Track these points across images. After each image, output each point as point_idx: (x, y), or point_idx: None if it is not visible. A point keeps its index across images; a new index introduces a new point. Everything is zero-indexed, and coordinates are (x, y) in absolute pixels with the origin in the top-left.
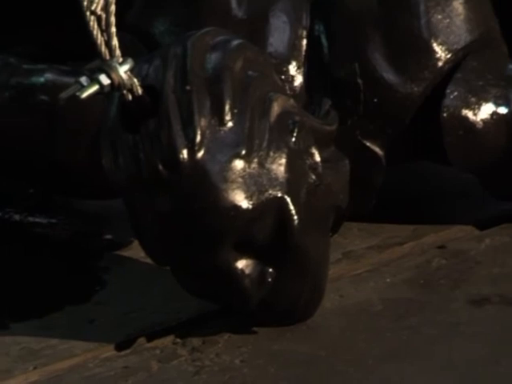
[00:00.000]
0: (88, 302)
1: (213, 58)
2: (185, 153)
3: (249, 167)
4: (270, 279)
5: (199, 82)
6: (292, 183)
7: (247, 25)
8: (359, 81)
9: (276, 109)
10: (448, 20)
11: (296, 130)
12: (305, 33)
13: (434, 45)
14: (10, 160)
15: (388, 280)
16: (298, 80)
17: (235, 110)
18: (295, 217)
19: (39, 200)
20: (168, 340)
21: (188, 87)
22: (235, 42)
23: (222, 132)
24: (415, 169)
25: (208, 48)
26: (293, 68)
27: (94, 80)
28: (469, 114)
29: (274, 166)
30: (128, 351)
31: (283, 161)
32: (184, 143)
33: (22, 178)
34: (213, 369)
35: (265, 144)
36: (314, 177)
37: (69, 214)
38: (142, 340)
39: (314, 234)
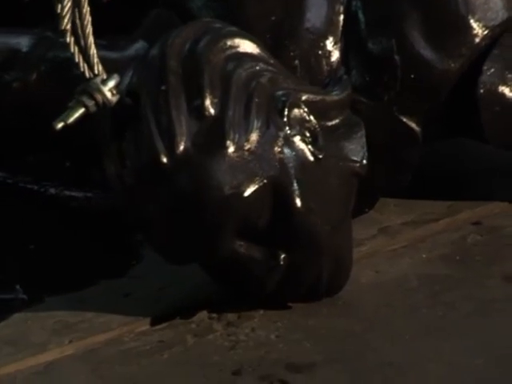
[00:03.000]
0: (124, 276)
1: (190, 52)
2: (164, 154)
3: (238, 154)
4: (282, 262)
5: (176, 79)
6: (286, 162)
7: (284, 0)
8: (396, 57)
9: (261, 92)
10: None
11: (286, 109)
12: (342, 8)
13: (472, 21)
14: (47, 133)
15: (424, 256)
16: (335, 55)
17: (216, 101)
18: (293, 195)
19: (75, 174)
20: (203, 314)
21: (163, 87)
22: (213, 33)
23: (206, 125)
24: (451, 145)
25: (185, 44)
26: (330, 43)
27: (78, 103)
28: (506, 90)
29: (265, 149)
30: (163, 325)
31: (273, 142)
32: (162, 145)
33: (58, 151)
34: (248, 344)
35: (252, 129)
36: (313, 150)
37: (105, 188)
38: (177, 314)
39: (321, 208)
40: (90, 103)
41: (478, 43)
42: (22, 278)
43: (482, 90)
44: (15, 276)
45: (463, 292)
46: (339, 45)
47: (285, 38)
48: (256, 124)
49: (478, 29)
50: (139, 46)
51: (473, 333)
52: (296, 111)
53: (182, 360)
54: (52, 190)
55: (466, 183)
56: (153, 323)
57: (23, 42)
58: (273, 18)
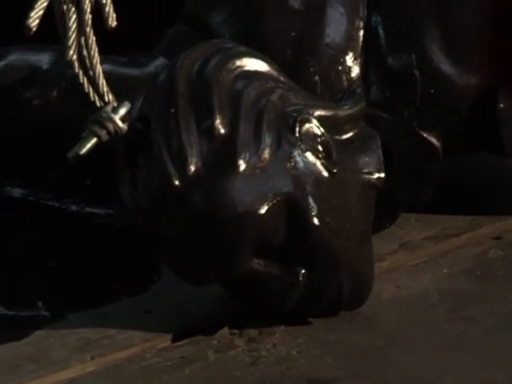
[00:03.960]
0: (145, 293)
1: (198, 74)
2: (176, 178)
3: (250, 173)
4: (301, 278)
5: (185, 102)
6: (300, 178)
7: (304, 16)
8: (416, 72)
9: (271, 109)
10: None
11: (297, 125)
12: (362, 24)
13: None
14: (67, 150)
15: (445, 271)
16: (355, 71)
17: (226, 121)
18: (308, 211)
19: (96, 190)
20: (225, 330)
21: (173, 110)
22: (222, 54)
23: (216, 146)
24: (472, 160)
25: (194, 66)
26: (349, 59)
27: (90, 133)
28: None
29: (278, 166)
30: (185, 341)
31: (286, 159)
32: (173, 169)
33: (78, 168)
34: (269, 359)
35: (263, 146)
36: (327, 164)
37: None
38: (198, 330)
39: (339, 222)
40: (102, 132)
41: None
42: (44, 295)
43: (501, 105)
44: (37, 293)
45: (484, 307)
46: (359, 60)
47: (305, 53)
48: (267, 141)
49: None
50: (159, 62)
51: (494, 347)
52: (307, 126)
53: (204, 376)
54: (73, 207)
55: (487, 198)
56: (174, 339)
57: (43, 59)
58: (293, 34)
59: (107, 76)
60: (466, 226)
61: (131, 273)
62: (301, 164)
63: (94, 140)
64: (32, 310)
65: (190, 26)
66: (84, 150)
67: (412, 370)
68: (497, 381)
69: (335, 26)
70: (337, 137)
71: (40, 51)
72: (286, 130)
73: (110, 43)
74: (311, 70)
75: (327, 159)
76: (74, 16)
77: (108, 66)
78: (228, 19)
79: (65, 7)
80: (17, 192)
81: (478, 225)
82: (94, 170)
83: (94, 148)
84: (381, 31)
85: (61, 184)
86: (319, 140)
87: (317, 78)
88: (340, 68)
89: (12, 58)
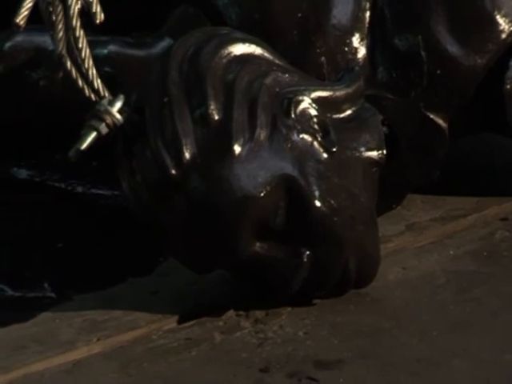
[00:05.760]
0: (151, 274)
1: (191, 62)
2: (172, 166)
3: (247, 156)
4: (305, 259)
5: (178, 91)
6: (298, 160)
7: None
8: (423, 53)
9: (266, 92)
10: None
11: (293, 106)
12: (368, 5)
13: (498, 17)
14: (73, 131)
15: (451, 252)
16: (361, 52)
17: (220, 106)
18: (308, 192)
19: (102, 172)
20: (231, 312)
21: (166, 99)
22: (214, 41)
23: (211, 132)
24: (478, 141)
25: (186, 54)
26: (356, 40)
27: (89, 128)
28: None
29: (275, 148)
30: (191, 323)
31: (283, 141)
32: (169, 157)
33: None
34: (276, 341)
35: (258, 129)
36: (324, 144)
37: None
38: (204, 312)
39: (341, 201)
40: (101, 125)
41: (505, 39)
42: (50, 277)
43: (508, 86)
44: (43, 274)
45: (491, 288)
46: (365, 41)
47: (311, 34)
48: (262, 124)
49: (504, 24)
50: (165, 43)
51: (501, 329)
52: (303, 107)
53: (210, 357)
54: (79, 188)
55: (494, 179)
56: (180, 321)
57: (49, 40)
58: (299, 15)
59: (114, 56)
60: (472, 207)
61: (137, 254)
62: (298, 145)
63: (94, 134)
64: (38, 291)
65: (197, 5)
66: (85, 145)
67: (419, 352)
68: (503, 362)
69: (342, 7)
70: (335, 116)
71: (45, 32)
72: (282, 111)
73: (115, 24)
74: (318, 50)
75: (325, 139)
76: (62, 12)
77: (114, 47)
78: (234, 0)
79: (51, 8)
80: (23, 173)
81: (484, 206)
82: (99, 152)
83: (95, 142)
84: (387, 12)
85: (67, 165)
86: (316, 120)
87: (323, 58)
88: (346, 49)
89: (18, 38)
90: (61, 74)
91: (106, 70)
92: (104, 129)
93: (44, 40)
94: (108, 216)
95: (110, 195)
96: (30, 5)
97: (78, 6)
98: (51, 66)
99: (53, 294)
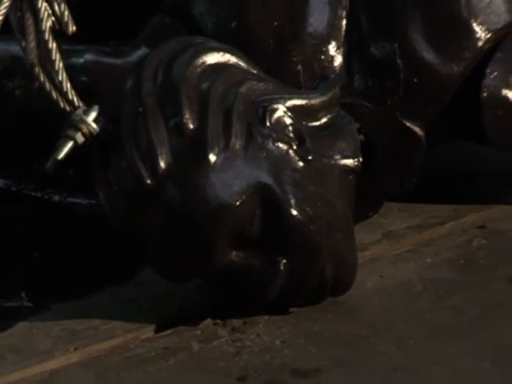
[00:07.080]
0: (129, 283)
1: (165, 72)
2: (147, 177)
3: (222, 165)
4: (282, 268)
5: (152, 101)
6: (273, 168)
7: (287, 5)
8: (399, 61)
9: (241, 101)
10: (488, 0)
11: (267, 115)
12: (344, 13)
13: (474, 24)
14: (50, 140)
15: (428, 260)
16: (338, 60)
17: (194, 115)
18: (284, 200)
19: (79, 181)
20: (208, 321)
21: (141, 109)
22: (188, 50)
23: (186, 141)
24: (455, 148)
25: (160, 64)
26: (332, 48)
27: (66, 137)
28: (509, 93)
29: (250, 157)
30: (168, 332)
31: (258, 149)
32: (144, 168)
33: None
34: (253, 349)
35: (233, 138)
36: (300, 152)
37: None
38: (182, 321)
39: (317, 209)
40: (77, 135)
41: (481, 46)
42: (27, 286)
43: (485, 94)
44: (20, 284)
45: (468, 296)
46: (342, 49)
47: (288, 43)
48: (237, 133)
49: (480, 32)
50: (142, 52)
51: (478, 336)
52: (278, 116)
53: (187, 366)
54: (56, 197)
55: (471, 187)
56: (158, 330)
57: None
58: (275, 23)
59: (90, 65)
60: (449, 215)
61: (114, 263)
62: (274, 153)
63: (71, 143)
64: (15, 301)
65: (173, 14)
66: (62, 155)
67: (396, 360)
68: (481, 369)
69: (318, 16)
70: (311, 124)
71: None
72: (257, 120)
73: (92, 33)
74: (294, 59)
75: (300, 147)
76: (32, 26)
77: (90, 56)
78: (211, 9)
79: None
80: None
81: (461, 214)
82: (77, 161)
83: (71, 152)
84: (363, 20)
85: (43, 174)
86: (291, 128)
87: (300, 67)
88: (323, 57)
89: None
90: (37, 84)
91: (82, 79)
92: (80, 138)
93: (20, 49)
94: (85, 225)
95: (87, 204)
96: (0, 18)
97: (52, 18)
98: (27, 76)
99: (30, 304)
